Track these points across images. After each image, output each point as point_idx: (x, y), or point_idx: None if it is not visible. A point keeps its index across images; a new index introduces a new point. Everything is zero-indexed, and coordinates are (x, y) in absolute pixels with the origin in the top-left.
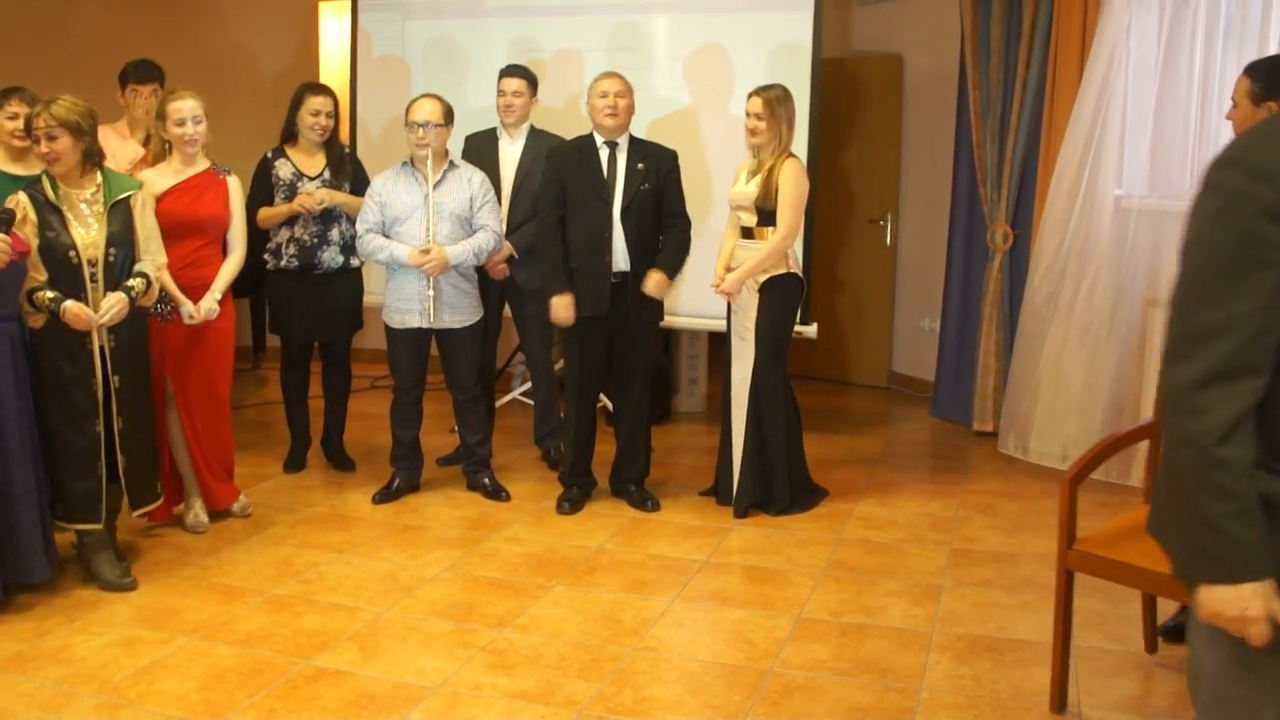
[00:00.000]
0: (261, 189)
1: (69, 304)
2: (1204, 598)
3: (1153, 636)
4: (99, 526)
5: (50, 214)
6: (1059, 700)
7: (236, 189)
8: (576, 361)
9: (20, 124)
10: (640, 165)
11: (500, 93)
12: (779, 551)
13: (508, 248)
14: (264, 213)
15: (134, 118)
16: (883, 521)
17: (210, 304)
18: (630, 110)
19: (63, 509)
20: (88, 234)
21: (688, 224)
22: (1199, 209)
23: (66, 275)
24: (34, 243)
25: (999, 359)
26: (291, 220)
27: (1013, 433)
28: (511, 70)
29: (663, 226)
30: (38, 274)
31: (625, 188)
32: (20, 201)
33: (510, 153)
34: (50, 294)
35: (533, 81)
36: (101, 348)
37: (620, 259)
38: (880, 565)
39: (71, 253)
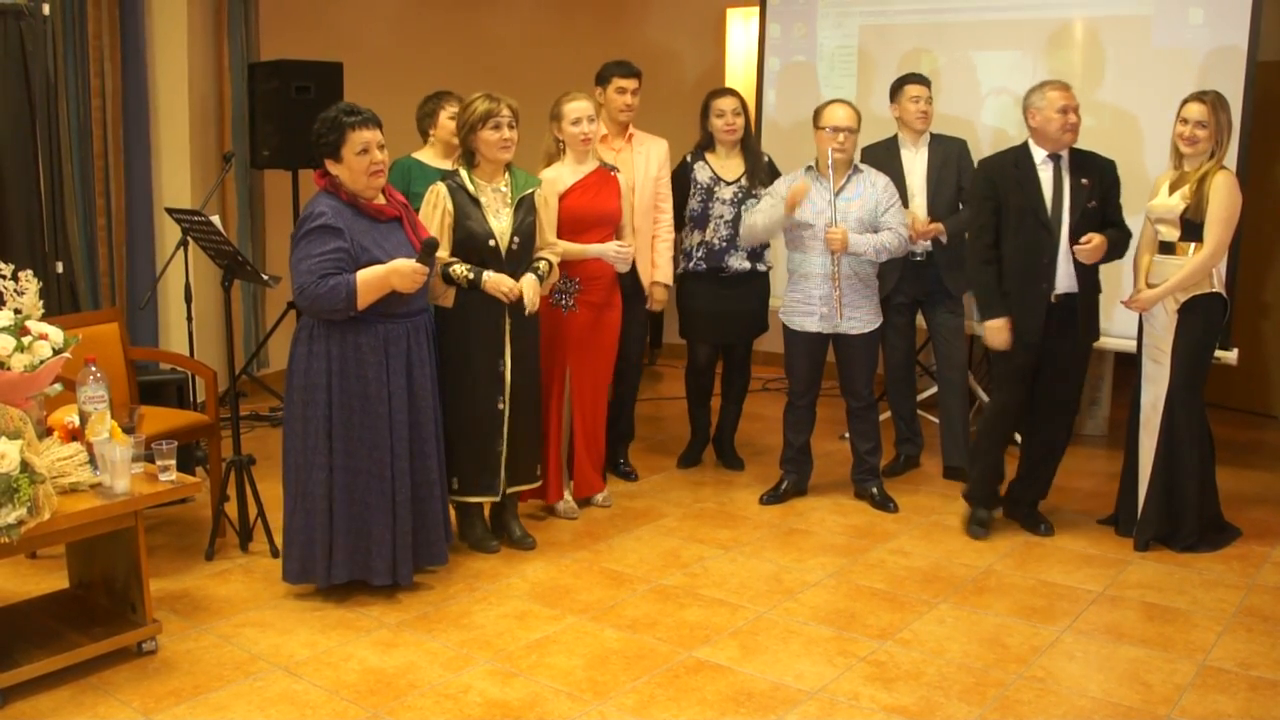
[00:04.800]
0: (679, 191)
1: (489, 275)
2: None
3: None
4: (496, 498)
5: (469, 204)
6: None
7: (625, 184)
8: (1006, 390)
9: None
10: (1084, 181)
11: (914, 99)
12: (1183, 591)
13: (938, 227)
14: None
15: (614, 120)
16: None
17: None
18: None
19: (461, 482)
20: (500, 224)
21: (1129, 235)
22: None
23: (483, 260)
24: (446, 229)
25: None
26: (704, 224)
27: None
28: (916, 79)
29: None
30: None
31: (1071, 207)
32: (440, 194)
33: (916, 162)
34: (465, 267)
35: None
36: (510, 327)
37: (1064, 282)
38: None
39: (491, 241)
